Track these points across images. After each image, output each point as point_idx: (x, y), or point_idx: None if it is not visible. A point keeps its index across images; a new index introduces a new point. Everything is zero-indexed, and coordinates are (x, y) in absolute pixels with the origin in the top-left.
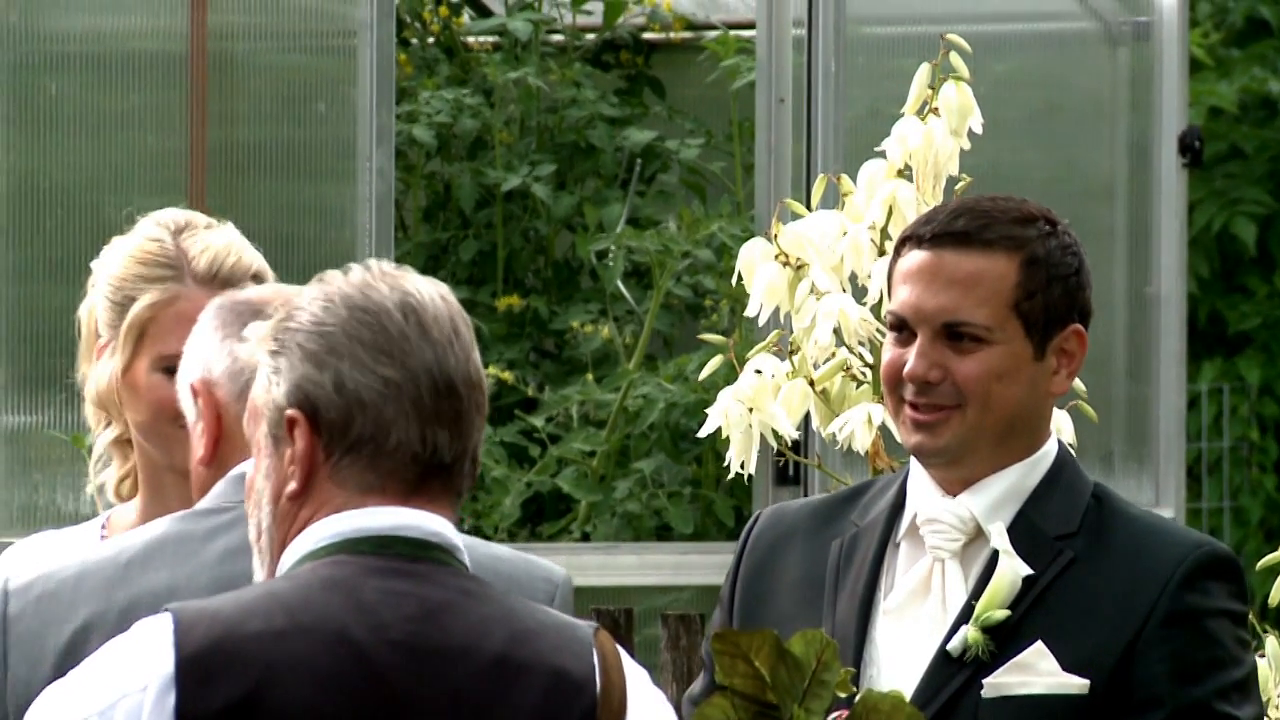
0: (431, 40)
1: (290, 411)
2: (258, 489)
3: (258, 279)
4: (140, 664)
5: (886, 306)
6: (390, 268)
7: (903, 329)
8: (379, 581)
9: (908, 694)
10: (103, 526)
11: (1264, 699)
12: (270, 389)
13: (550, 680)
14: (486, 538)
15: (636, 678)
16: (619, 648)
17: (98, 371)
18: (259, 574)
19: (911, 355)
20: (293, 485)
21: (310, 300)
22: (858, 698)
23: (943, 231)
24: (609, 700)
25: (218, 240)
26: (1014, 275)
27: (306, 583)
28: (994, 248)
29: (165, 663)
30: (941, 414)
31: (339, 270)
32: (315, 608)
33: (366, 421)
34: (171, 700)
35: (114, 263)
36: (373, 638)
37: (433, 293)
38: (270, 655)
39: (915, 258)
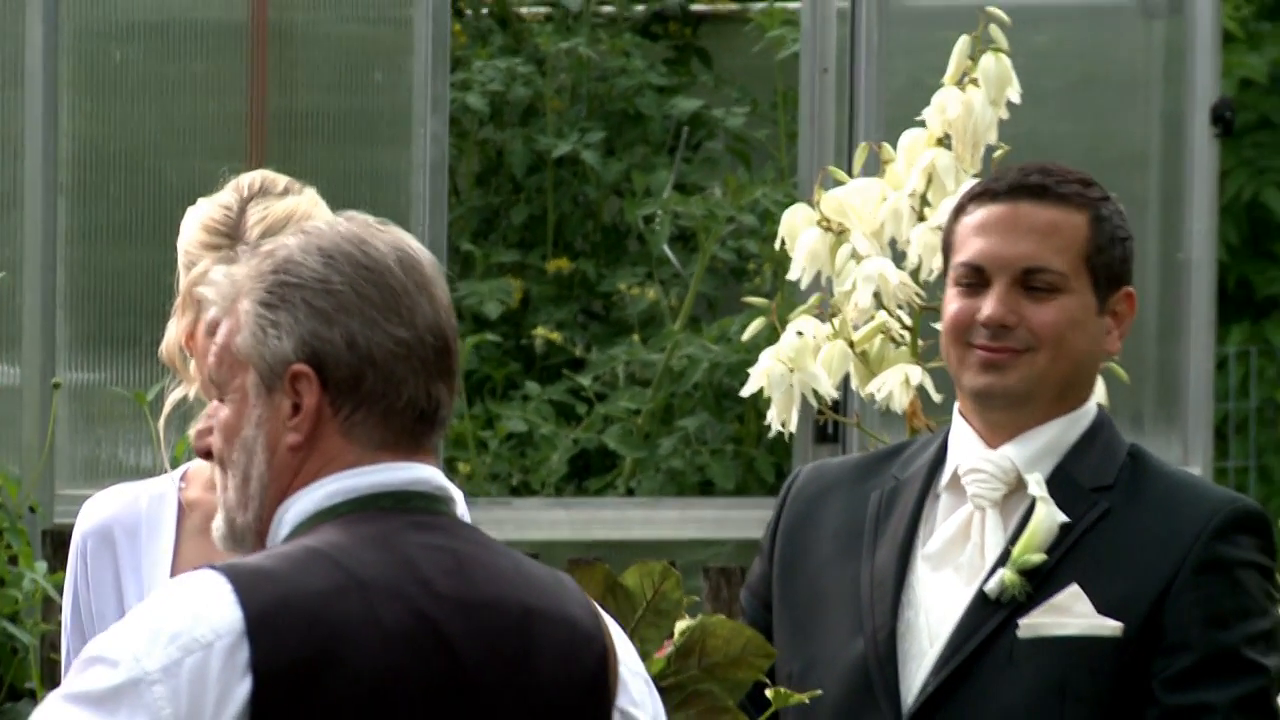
0: (485, 11)
1: (298, 366)
2: (246, 436)
3: None
4: (204, 619)
5: (956, 259)
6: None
7: (974, 280)
8: (413, 535)
9: (945, 635)
10: (180, 479)
11: None
12: (267, 340)
13: (567, 629)
14: (534, 493)
15: (615, 627)
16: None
17: (169, 332)
18: (240, 518)
19: (987, 301)
20: (295, 437)
21: (305, 254)
22: (687, 625)
23: (1019, 184)
24: (610, 649)
25: (279, 208)
26: (1086, 229)
27: (346, 538)
28: (1069, 202)
29: (233, 618)
30: (1013, 356)
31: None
32: (367, 564)
33: (377, 379)
34: (244, 656)
35: (187, 227)
36: (422, 592)
37: (419, 247)
38: (335, 613)
39: (990, 210)
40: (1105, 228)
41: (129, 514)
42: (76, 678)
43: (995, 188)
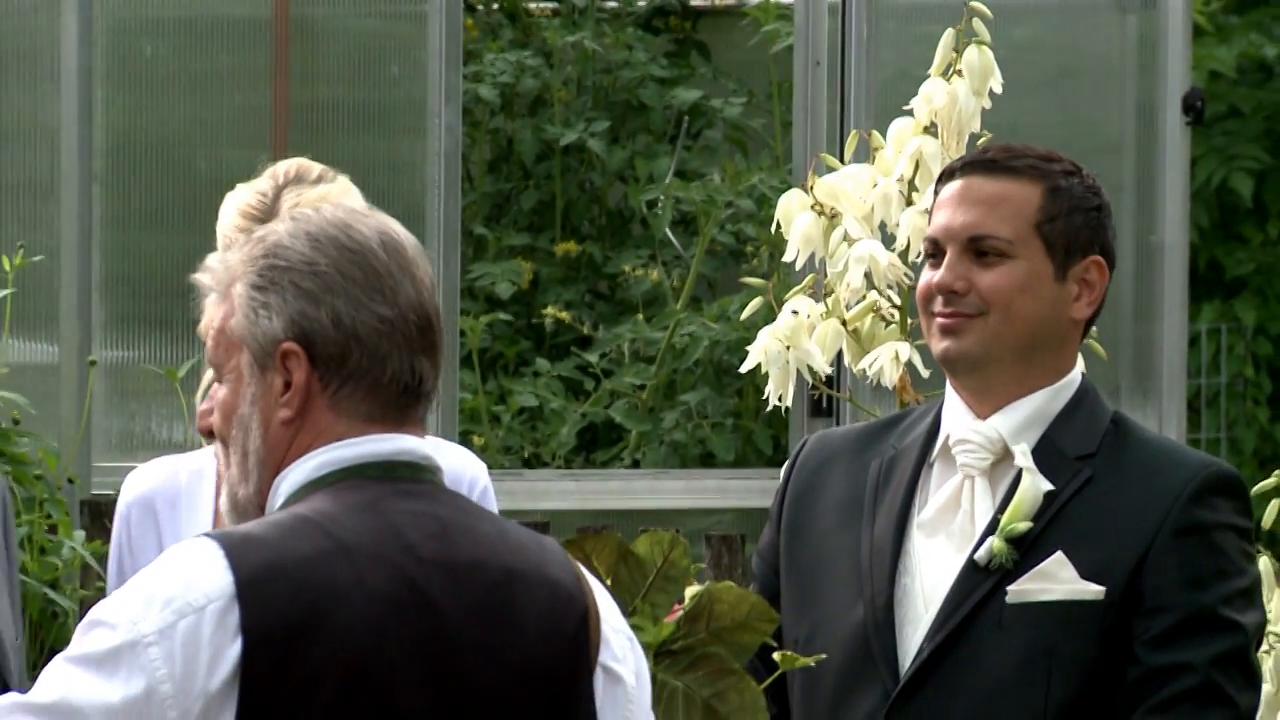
0: (496, 6)
1: (287, 344)
2: (242, 413)
3: None
4: (196, 584)
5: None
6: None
7: (934, 252)
8: (398, 502)
9: (939, 601)
10: (218, 453)
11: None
12: (259, 321)
13: (548, 590)
14: (545, 465)
15: (600, 588)
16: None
17: (205, 311)
18: (242, 491)
19: (941, 269)
20: (287, 412)
21: (293, 239)
22: (697, 591)
23: (973, 160)
24: (591, 608)
25: (312, 195)
26: (1037, 199)
27: (333, 506)
28: (1020, 174)
29: (224, 582)
30: (965, 320)
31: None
32: (353, 530)
33: (363, 355)
34: (234, 618)
35: (225, 212)
36: (406, 556)
37: (402, 230)
38: (323, 576)
39: (948, 187)
40: (1062, 198)
41: (169, 486)
42: (79, 641)
43: (953, 166)
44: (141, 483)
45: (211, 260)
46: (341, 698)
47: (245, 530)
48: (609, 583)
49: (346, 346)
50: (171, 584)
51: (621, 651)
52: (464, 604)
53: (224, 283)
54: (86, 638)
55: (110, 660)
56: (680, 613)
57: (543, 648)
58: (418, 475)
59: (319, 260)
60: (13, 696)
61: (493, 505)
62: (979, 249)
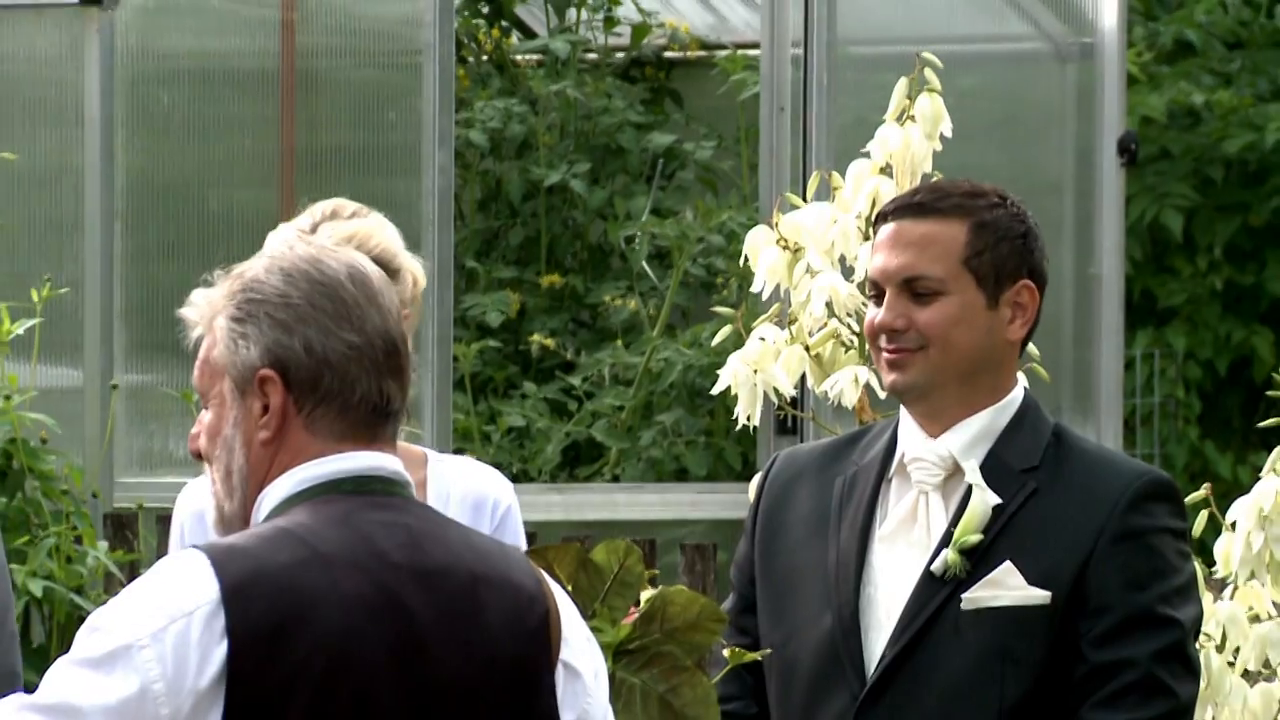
0: (485, 58)
1: (264, 371)
2: (226, 435)
3: (379, 260)
4: (185, 591)
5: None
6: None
7: (876, 292)
8: (370, 514)
9: (900, 608)
10: None
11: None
12: (238, 351)
13: (511, 593)
14: (532, 480)
15: (560, 592)
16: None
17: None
18: (228, 506)
19: (882, 310)
20: (266, 433)
21: (268, 274)
22: (651, 594)
23: (903, 204)
24: (552, 610)
25: (345, 230)
26: (964, 236)
27: (310, 518)
28: (946, 214)
29: (210, 590)
30: (908, 355)
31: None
32: (328, 540)
33: (334, 379)
34: (221, 622)
35: (273, 243)
36: (378, 563)
37: (369, 264)
38: (301, 582)
39: (884, 231)
40: (987, 231)
41: None
42: (80, 644)
43: (886, 209)
44: (195, 499)
45: (195, 296)
46: (321, 693)
47: (230, 542)
48: (570, 588)
49: (318, 372)
50: (163, 591)
51: (580, 650)
52: (433, 605)
53: (207, 317)
54: (86, 641)
55: (108, 662)
56: (636, 615)
57: (508, 645)
58: (389, 489)
59: (291, 293)
60: (19, 697)
61: (518, 524)
62: (914, 289)
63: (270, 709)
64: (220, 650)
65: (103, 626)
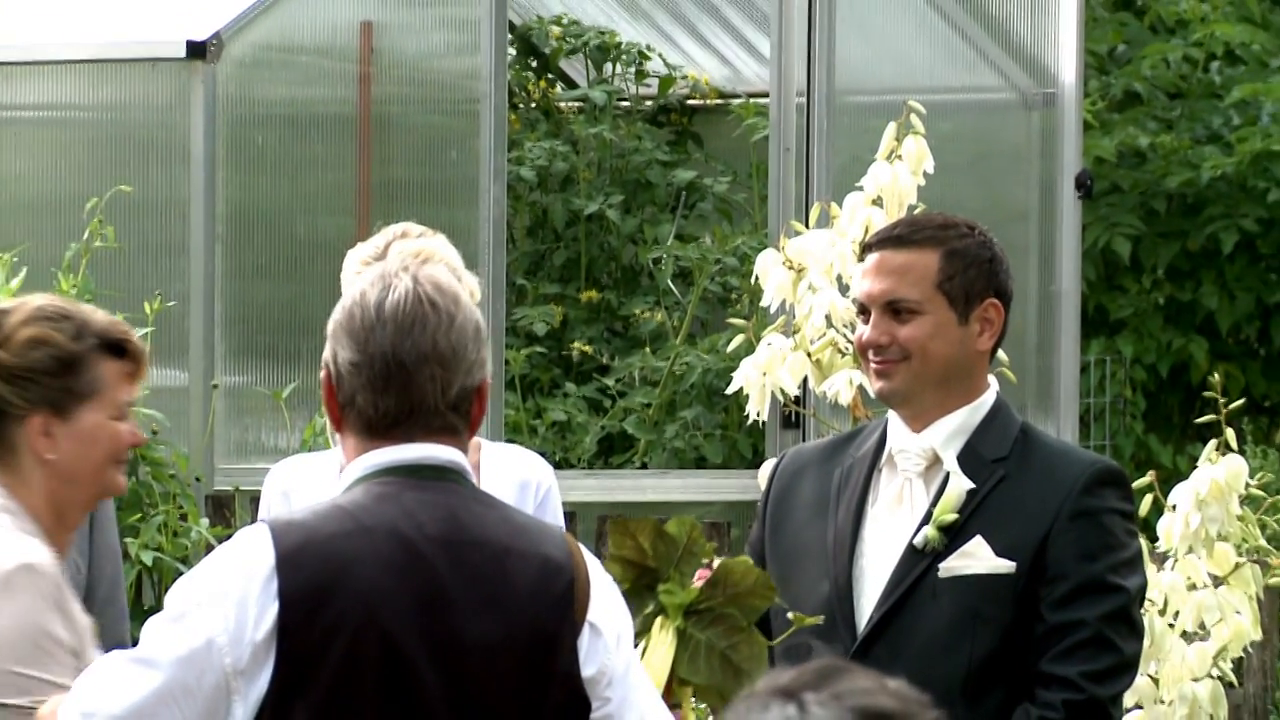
0: (534, 105)
1: (323, 372)
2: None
3: None
4: (248, 559)
5: (853, 295)
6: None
7: (864, 312)
8: (415, 493)
9: (886, 576)
10: None
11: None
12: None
13: (540, 563)
14: (572, 467)
15: (595, 564)
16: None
17: None
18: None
19: (868, 328)
20: (333, 428)
21: (339, 305)
22: (717, 564)
23: (884, 237)
24: (580, 578)
25: (412, 247)
26: (936, 263)
27: (363, 497)
28: (921, 245)
29: (268, 557)
30: (892, 365)
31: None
32: (372, 513)
33: (346, 389)
34: (275, 585)
35: (349, 263)
36: (416, 533)
37: (417, 290)
38: (343, 549)
39: (868, 259)
40: (957, 258)
41: (305, 477)
42: (166, 604)
43: (871, 241)
44: (285, 475)
45: None
46: (354, 642)
47: (294, 515)
48: (650, 553)
49: (341, 379)
50: (232, 559)
51: (606, 613)
52: (461, 571)
53: None
54: (170, 600)
55: (186, 617)
56: (704, 580)
57: (530, 608)
58: (441, 475)
59: (338, 314)
60: (121, 651)
61: (557, 503)
62: (895, 309)
63: (313, 658)
64: (273, 610)
65: (183, 589)
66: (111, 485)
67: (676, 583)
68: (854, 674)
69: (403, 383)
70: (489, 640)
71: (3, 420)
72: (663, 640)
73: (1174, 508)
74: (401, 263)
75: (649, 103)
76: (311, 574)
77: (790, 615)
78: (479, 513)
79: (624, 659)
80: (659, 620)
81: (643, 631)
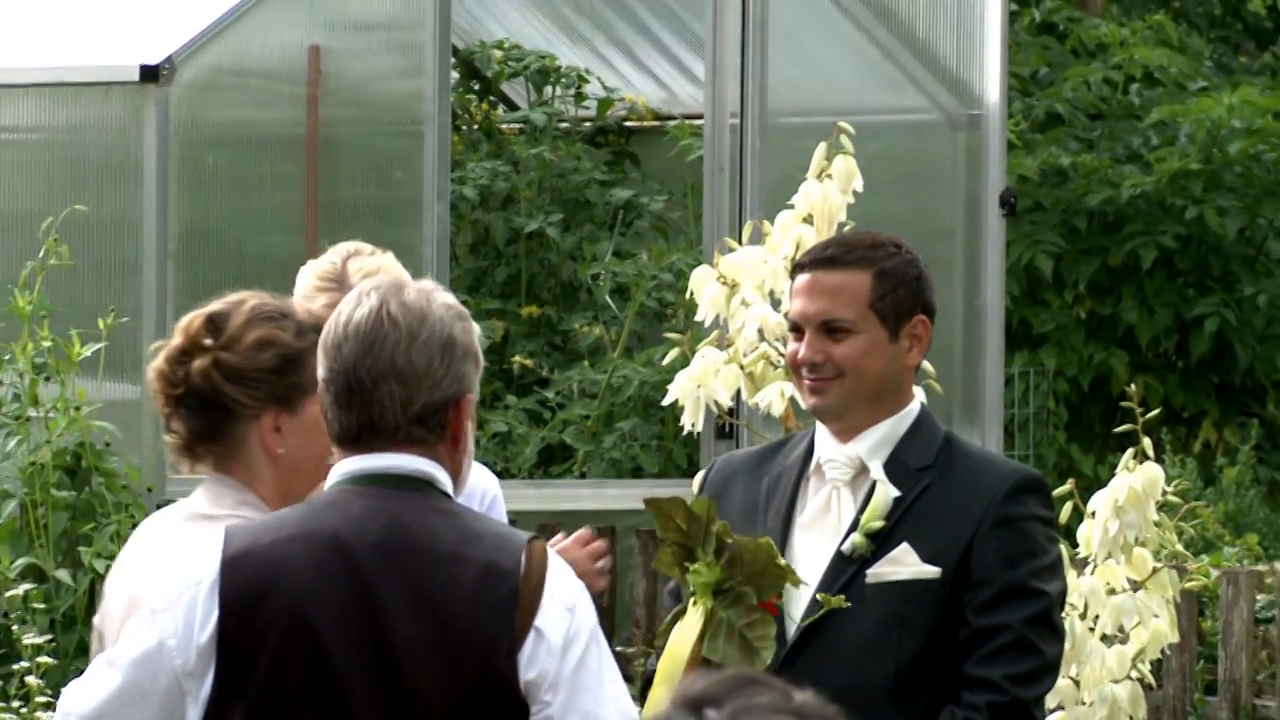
0: (476, 127)
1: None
2: None
3: None
4: (199, 564)
5: (787, 312)
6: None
7: (797, 329)
8: (366, 501)
9: (814, 583)
10: None
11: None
12: None
13: (482, 570)
14: (513, 477)
15: (559, 570)
16: (550, 551)
17: None
18: None
19: (803, 347)
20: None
21: (328, 322)
22: (735, 544)
23: (816, 258)
24: (528, 584)
25: (371, 263)
26: (868, 283)
27: (318, 504)
28: (852, 266)
29: (215, 563)
30: (826, 383)
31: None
32: (318, 519)
33: (322, 402)
34: (218, 590)
35: (302, 279)
36: (356, 540)
37: (382, 308)
38: (280, 554)
39: (801, 279)
40: (887, 278)
41: None
42: (145, 600)
43: (803, 260)
44: None
45: None
46: (280, 647)
47: (252, 521)
48: (686, 530)
49: (321, 394)
50: (186, 564)
51: (553, 618)
52: (397, 578)
53: None
54: (146, 597)
55: (151, 617)
56: (723, 559)
57: (467, 612)
58: (403, 484)
59: (325, 331)
60: (103, 654)
61: (501, 511)
62: (829, 328)
63: (248, 661)
64: (214, 615)
65: (144, 589)
66: (326, 473)
67: (704, 563)
68: (761, 689)
69: (363, 399)
70: (421, 645)
71: (234, 419)
72: (696, 619)
73: (1093, 514)
74: (389, 281)
75: (588, 124)
76: (248, 579)
77: (819, 596)
78: (429, 521)
79: (572, 662)
80: (692, 600)
81: (681, 613)
